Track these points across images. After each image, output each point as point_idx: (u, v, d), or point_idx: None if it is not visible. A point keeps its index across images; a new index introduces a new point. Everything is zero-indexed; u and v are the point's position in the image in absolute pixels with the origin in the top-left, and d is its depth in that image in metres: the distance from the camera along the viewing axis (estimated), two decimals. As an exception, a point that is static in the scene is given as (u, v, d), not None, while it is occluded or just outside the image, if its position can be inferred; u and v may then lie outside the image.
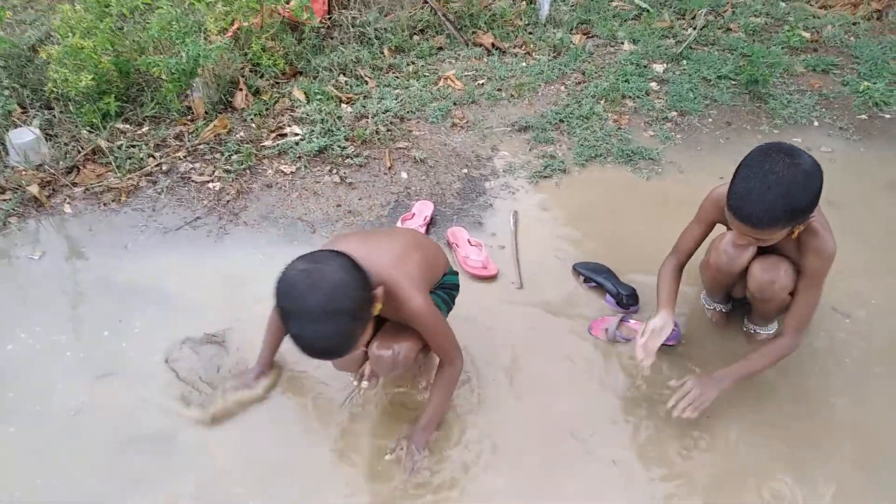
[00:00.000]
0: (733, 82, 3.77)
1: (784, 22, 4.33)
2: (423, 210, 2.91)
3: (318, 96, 3.51)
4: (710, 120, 3.53)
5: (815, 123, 3.51)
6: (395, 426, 2.10)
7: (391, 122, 3.41)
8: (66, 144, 3.11)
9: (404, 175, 3.14)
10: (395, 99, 3.56)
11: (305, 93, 3.54)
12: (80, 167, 3.03)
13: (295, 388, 2.22)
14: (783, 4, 4.65)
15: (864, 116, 3.57)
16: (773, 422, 2.14)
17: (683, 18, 4.43)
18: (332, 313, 1.56)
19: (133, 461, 2.02)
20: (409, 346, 1.90)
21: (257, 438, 2.09)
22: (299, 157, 3.16)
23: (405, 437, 2.03)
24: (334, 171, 3.12)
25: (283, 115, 3.42)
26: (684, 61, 3.94)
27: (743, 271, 2.16)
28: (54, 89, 3.18)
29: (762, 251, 2.10)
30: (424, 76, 3.79)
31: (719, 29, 4.30)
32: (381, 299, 1.71)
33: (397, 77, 3.78)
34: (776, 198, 1.74)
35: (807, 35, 4.22)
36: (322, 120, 3.35)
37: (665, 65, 3.91)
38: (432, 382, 2.06)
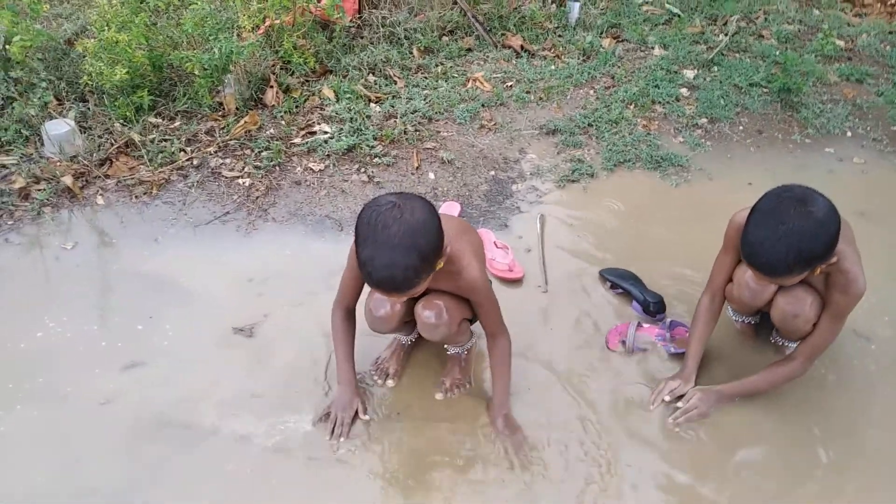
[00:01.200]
0: (765, 90, 3.73)
1: (818, 29, 4.28)
2: (449, 211, 2.92)
3: (348, 95, 3.53)
4: (741, 128, 3.49)
5: (848, 134, 3.46)
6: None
7: (419, 123, 3.42)
8: (99, 137, 3.15)
9: (431, 175, 3.15)
10: (424, 99, 3.57)
11: (335, 91, 3.56)
12: (113, 159, 3.08)
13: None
14: (817, 12, 4.59)
15: (898, 128, 3.52)
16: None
17: (715, 24, 4.40)
18: (408, 247, 1.63)
19: (157, 453, 2.04)
20: (456, 306, 1.99)
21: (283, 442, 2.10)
22: (328, 155, 3.18)
23: (449, 377, 2.20)
24: (362, 169, 3.14)
25: (312, 113, 3.44)
26: (715, 67, 3.91)
27: (766, 302, 2.14)
28: (89, 82, 3.22)
29: None
30: (453, 77, 3.79)
31: (751, 35, 4.26)
32: (446, 258, 1.78)
33: (426, 77, 3.79)
34: (787, 249, 1.72)
35: (841, 43, 4.17)
36: (351, 119, 3.37)
37: (696, 71, 3.88)
38: (490, 361, 2.12)
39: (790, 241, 1.71)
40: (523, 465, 1.99)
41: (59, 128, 3.02)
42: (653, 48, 4.09)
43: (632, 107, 3.58)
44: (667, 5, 4.53)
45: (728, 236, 2.13)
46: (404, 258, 1.63)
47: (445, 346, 2.24)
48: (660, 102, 3.62)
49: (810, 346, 2.06)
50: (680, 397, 2.16)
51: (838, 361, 2.33)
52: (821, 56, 4.03)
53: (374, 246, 1.64)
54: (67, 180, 2.92)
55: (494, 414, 2.07)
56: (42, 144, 3.07)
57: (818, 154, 3.32)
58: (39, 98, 3.16)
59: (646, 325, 2.41)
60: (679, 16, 4.42)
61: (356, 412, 2.10)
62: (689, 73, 3.85)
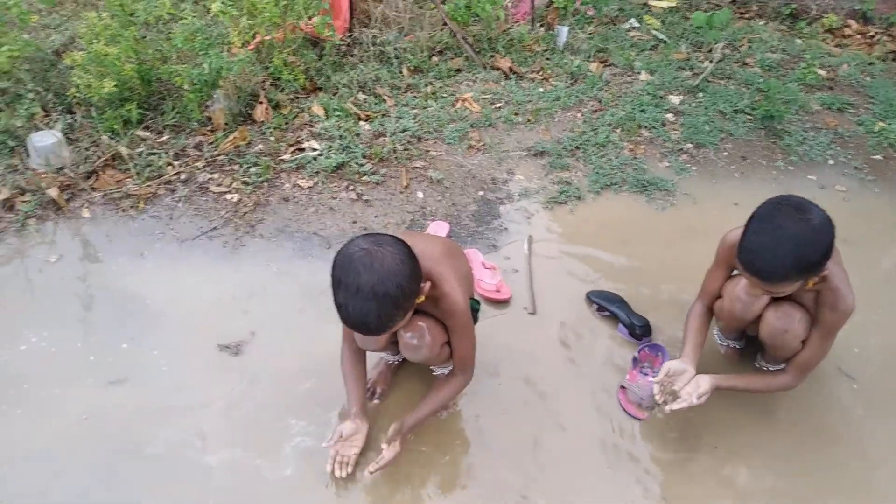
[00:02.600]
0: (749, 117, 3.79)
1: (800, 59, 4.37)
2: (438, 230, 2.93)
3: (337, 113, 3.54)
4: (726, 153, 3.55)
5: (830, 162, 3.52)
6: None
7: (408, 142, 3.43)
8: (86, 149, 3.13)
9: (420, 195, 3.15)
10: (413, 118, 3.59)
11: (325, 109, 3.56)
12: (100, 172, 3.06)
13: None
14: (799, 41, 4.68)
15: (879, 157, 3.59)
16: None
17: (700, 51, 4.47)
18: (379, 295, 1.63)
19: (138, 473, 2.02)
20: (438, 328, 1.97)
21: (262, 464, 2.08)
22: (317, 173, 3.18)
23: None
24: (351, 187, 3.14)
25: (301, 130, 3.44)
26: (700, 94, 3.97)
27: (757, 315, 2.16)
28: (77, 94, 3.21)
29: (777, 297, 2.10)
30: (442, 97, 3.82)
31: (736, 63, 4.34)
32: (426, 293, 1.79)
33: (415, 97, 3.81)
34: (786, 254, 1.75)
35: (823, 73, 4.25)
36: (340, 136, 3.37)
37: (681, 96, 3.94)
38: (436, 383, 2.10)
39: (788, 246, 1.75)
40: (370, 471, 1.95)
41: (45, 139, 3.00)
42: (639, 73, 4.15)
43: (618, 131, 3.62)
44: (653, 32, 4.60)
45: (720, 253, 2.16)
46: (377, 306, 1.64)
47: (431, 367, 2.24)
48: (646, 127, 3.67)
49: (801, 361, 2.09)
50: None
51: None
52: (803, 85, 4.11)
53: (346, 293, 1.65)
54: (53, 192, 2.89)
55: (399, 423, 2.01)
56: (28, 156, 3.05)
57: (801, 181, 3.37)
58: (26, 109, 3.13)
59: (638, 376, 2.33)
60: (665, 42, 4.49)
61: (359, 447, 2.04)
62: (675, 99, 3.91)
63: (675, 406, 2.01)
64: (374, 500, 1.99)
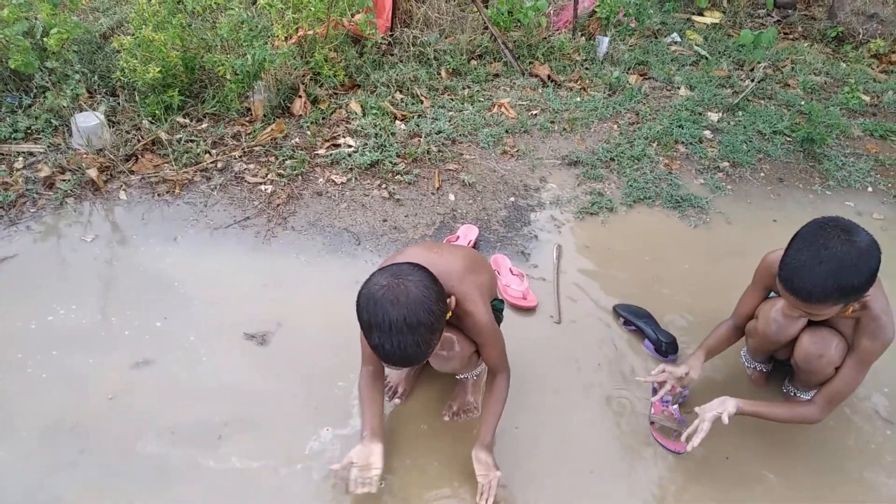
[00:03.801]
0: (788, 139, 3.74)
1: (844, 83, 4.30)
2: (467, 234, 2.93)
3: (374, 111, 3.56)
4: (762, 174, 3.50)
5: (870, 189, 3.46)
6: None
7: (443, 143, 3.44)
8: (127, 132, 3.19)
9: (452, 197, 3.16)
10: (449, 120, 3.60)
11: (362, 106, 3.59)
12: (139, 156, 3.11)
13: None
14: (844, 65, 4.62)
15: (919, 187, 3.52)
16: None
17: (741, 69, 4.43)
18: (413, 326, 1.64)
19: (161, 458, 2.04)
20: (468, 342, 1.98)
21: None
22: (351, 169, 3.20)
23: (457, 401, 2.20)
24: (383, 185, 3.16)
25: (338, 126, 3.47)
26: (740, 112, 3.93)
27: (791, 339, 2.13)
28: (122, 78, 3.26)
29: (814, 322, 2.07)
30: (479, 101, 3.82)
31: (777, 83, 4.29)
32: (452, 308, 1.81)
33: (452, 99, 3.82)
34: (828, 274, 1.72)
35: (866, 98, 4.18)
36: (376, 134, 3.39)
37: (720, 114, 3.90)
38: (485, 394, 2.07)
39: (831, 266, 1.71)
40: (489, 492, 1.93)
41: (88, 120, 3.06)
42: (679, 88, 4.11)
43: (654, 144, 3.60)
44: (695, 47, 4.56)
45: (758, 273, 2.13)
46: (413, 338, 1.65)
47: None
48: (683, 142, 3.64)
49: (831, 391, 2.04)
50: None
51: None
52: (846, 109, 4.05)
53: (379, 333, 1.64)
54: (92, 173, 2.95)
55: (477, 447, 1.99)
56: (70, 136, 3.11)
57: (837, 206, 3.32)
58: (72, 90, 3.20)
59: (661, 406, 2.29)
60: (707, 58, 4.45)
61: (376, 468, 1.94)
62: (714, 116, 3.87)
63: (697, 440, 1.97)
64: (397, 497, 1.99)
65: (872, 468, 2.17)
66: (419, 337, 1.65)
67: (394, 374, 2.29)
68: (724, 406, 2.00)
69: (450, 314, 1.80)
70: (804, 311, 1.84)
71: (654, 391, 2.30)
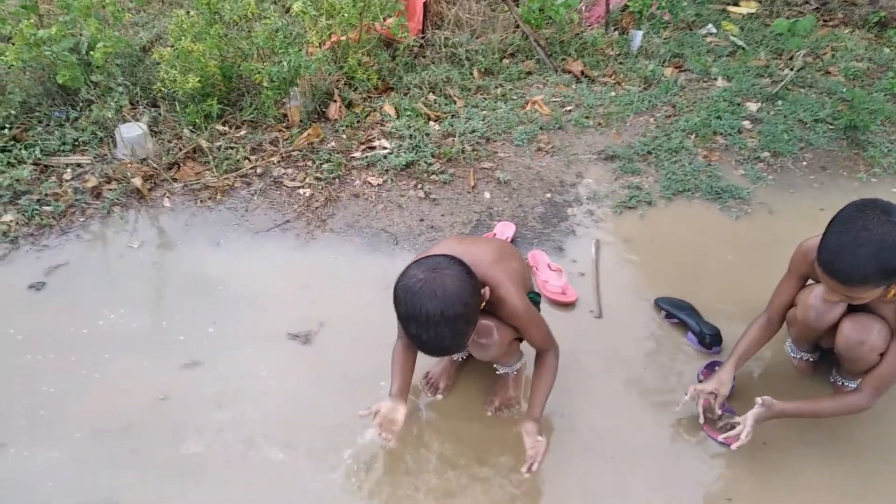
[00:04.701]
0: (831, 127, 3.66)
1: (888, 68, 4.19)
2: (504, 231, 2.93)
3: (408, 112, 3.59)
4: (805, 163, 3.43)
5: (917, 175, 3.37)
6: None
7: (477, 142, 3.45)
8: (169, 142, 3.27)
9: (487, 195, 3.17)
10: (482, 120, 3.60)
11: (396, 108, 3.62)
12: (181, 164, 3.18)
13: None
14: (887, 50, 4.49)
15: (970, 171, 3.41)
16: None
17: (780, 58, 4.34)
18: (450, 318, 1.69)
19: (209, 451, 2.10)
20: (506, 328, 1.99)
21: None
22: (386, 170, 3.23)
23: (499, 395, 2.23)
24: (419, 186, 3.18)
25: (373, 129, 3.51)
26: (780, 102, 3.85)
27: (832, 325, 2.08)
28: (162, 88, 3.35)
29: (854, 307, 2.03)
30: (512, 99, 3.82)
31: (818, 71, 4.19)
32: (486, 299, 1.85)
33: (485, 98, 3.83)
34: (868, 255, 1.69)
35: (912, 83, 4.06)
36: (410, 136, 3.42)
37: (759, 104, 3.83)
38: (534, 372, 2.09)
39: (872, 247, 1.69)
40: (530, 469, 1.93)
41: (132, 131, 3.14)
42: (716, 79, 4.05)
43: (692, 137, 3.55)
44: (731, 38, 4.49)
45: (793, 261, 2.10)
46: (450, 329, 1.70)
47: (495, 365, 2.24)
48: (721, 134, 3.58)
49: (877, 377, 2.00)
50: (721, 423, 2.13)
51: None
52: (890, 95, 3.94)
53: (417, 326, 1.70)
54: (137, 182, 3.03)
55: (525, 419, 2.02)
56: (115, 146, 3.20)
57: (884, 194, 3.22)
58: (116, 102, 3.29)
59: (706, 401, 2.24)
60: (744, 48, 4.38)
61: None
62: (753, 106, 3.80)
63: (737, 445, 1.98)
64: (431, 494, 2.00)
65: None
66: (456, 329, 1.71)
67: (436, 370, 2.30)
68: (771, 407, 1.99)
69: (484, 304, 1.83)
70: (844, 296, 1.81)
71: (699, 380, 2.28)
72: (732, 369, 2.14)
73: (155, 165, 3.13)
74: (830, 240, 1.77)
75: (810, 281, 2.12)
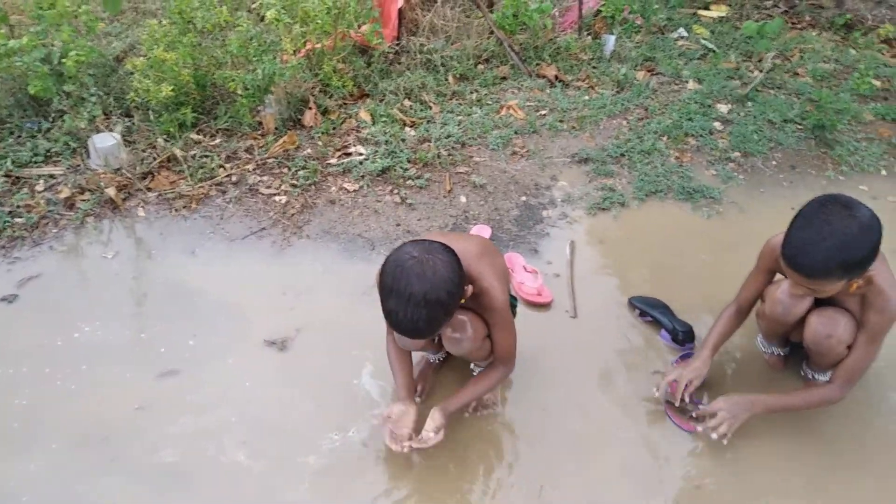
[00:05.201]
0: (799, 127, 3.73)
1: (854, 69, 4.27)
2: (480, 234, 2.95)
3: (384, 118, 3.61)
4: (774, 163, 3.49)
5: (883, 172, 3.44)
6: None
7: (453, 147, 3.47)
8: (143, 151, 3.26)
9: (463, 199, 3.19)
10: (458, 125, 3.63)
11: (371, 114, 3.64)
12: (155, 173, 3.17)
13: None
14: (853, 52, 4.59)
15: (934, 168, 3.49)
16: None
17: (749, 60, 4.41)
18: (431, 303, 1.70)
19: (187, 459, 2.09)
20: (479, 322, 2.01)
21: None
22: (362, 176, 3.24)
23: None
24: (395, 191, 3.19)
25: (349, 135, 3.52)
26: (749, 103, 3.92)
27: (799, 319, 2.13)
28: (136, 98, 3.34)
29: (821, 302, 2.07)
30: (487, 104, 3.85)
31: (786, 73, 4.27)
32: (468, 296, 1.87)
33: (461, 104, 3.85)
34: (830, 249, 1.74)
35: (877, 83, 4.15)
36: (386, 141, 3.44)
37: (730, 105, 3.89)
38: (479, 373, 2.13)
39: (834, 241, 1.73)
40: (412, 446, 1.96)
41: (105, 141, 3.13)
42: (687, 82, 4.12)
43: (665, 139, 3.60)
44: (702, 41, 4.56)
45: (761, 257, 2.15)
46: (427, 313, 1.71)
47: (472, 366, 2.26)
48: (693, 135, 3.64)
49: (846, 371, 2.04)
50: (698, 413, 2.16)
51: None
52: (856, 95, 4.02)
53: (397, 300, 1.71)
54: (111, 192, 3.01)
55: (438, 407, 2.03)
56: (88, 157, 3.18)
57: (851, 191, 3.29)
58: (89, 112, 3.27)
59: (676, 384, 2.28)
60: (714, 51, 4.45)
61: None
62: (723, 108, 3.87)
63: (716, 434, 2.03)
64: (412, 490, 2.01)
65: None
66: (432, 315, 1.72)
67: (414, 373, 2.31)
68: (736, 418, 2.04)
69: (464, 300, 1.85)
70: (809, 289, 1.85)
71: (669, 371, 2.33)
72: (709, 357, 2.18)
73: (129, 175, 3.12)
74: (794, 235, 1.81)
75: (778, 276, 2.17)
